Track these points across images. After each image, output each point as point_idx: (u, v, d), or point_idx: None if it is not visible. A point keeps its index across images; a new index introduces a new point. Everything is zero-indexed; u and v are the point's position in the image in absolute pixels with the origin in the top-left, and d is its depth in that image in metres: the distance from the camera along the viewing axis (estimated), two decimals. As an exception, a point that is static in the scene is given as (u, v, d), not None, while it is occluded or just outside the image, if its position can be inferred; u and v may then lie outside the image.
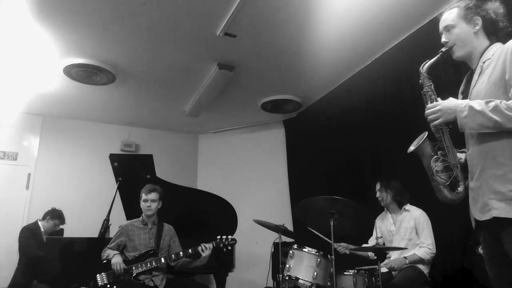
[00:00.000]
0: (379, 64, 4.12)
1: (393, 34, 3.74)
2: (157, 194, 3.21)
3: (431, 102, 1.70)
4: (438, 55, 1.74)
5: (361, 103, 4.38)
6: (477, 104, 1.49)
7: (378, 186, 3.32)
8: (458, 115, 1.53)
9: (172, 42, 3.88)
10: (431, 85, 1.75)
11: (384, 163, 3.95)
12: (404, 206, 3.23)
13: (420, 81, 1.78)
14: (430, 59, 1.77)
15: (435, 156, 1.69)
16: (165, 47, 3.98)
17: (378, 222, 3.38)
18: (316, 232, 3.39)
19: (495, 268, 1.59)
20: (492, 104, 1.45)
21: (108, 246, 3.13)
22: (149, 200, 3.18)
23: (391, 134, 3.83)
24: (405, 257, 2.97)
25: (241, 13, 3.35)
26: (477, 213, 1.56)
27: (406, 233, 3.15)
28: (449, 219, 3.06)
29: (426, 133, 1.73)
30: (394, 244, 3.17)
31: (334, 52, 4.05)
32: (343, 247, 3.30)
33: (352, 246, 3.33)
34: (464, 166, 1.68)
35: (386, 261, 3.18)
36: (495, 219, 1.47)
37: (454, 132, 1.70)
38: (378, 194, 3.30)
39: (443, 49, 1.73)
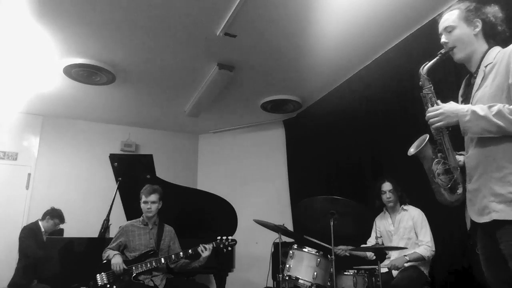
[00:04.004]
0: (379, 64, 4.12)
1: (393, 34, 3.74)
2: (157, 195, 3.20)
3: (432, 105, 1.70)
4: (437, 57, 1.74)
5: (361, 103, 4.38)
6: (480, 109, 1.49)
7: (388, 187, 3.24)
8: (461, 120, 1.53)
9: (172, 42, 3.88)
10: (431, 87, 1.75)
11: (384, 163, 3.95)
12: (403, 206, 3.24)
13: (420, 83, 1.77)
14: (429, 61, 1.76)
15: (437, 159, 1.69)
16: (165, 47, 3.98)
17: (377, 222, 3.38)
18: (315, 240, 3.40)
19: (491, 268, 1.60)
20: (495, 109, 1.46)
21: (108, 247, 3.13)
22: (149, 202, 3.17)
23: (391, 134, 3.83)
24: (405, 255, 2.97)
25: (241, 13, 3.35)
26: (475, 215, 1.57)
27: (405, 232, 3.16)
28: (449, 219, 3.06)
29: (428, 136, 1.73)
30: (394, 244, 3.18)
31: (334, 52, 4.05)
32: (342, 250, 3.29)
33: (351, 247, 3.33)
34: (463, 169, 1.69)
35: (386, 261, 3.18)
36: (494, 221, 1.48)
37: (451, 134, 1.71)
38: (389, 195, 3.23)
39: (443, 51, 1.73)
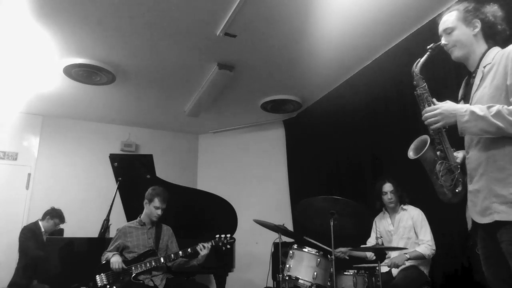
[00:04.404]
0: (379, 64, 4.12)
1: (393, 34, 3.74)
2: (166, 202, 3.20)
3: (428, 104, 1.70)
4: (427, 53, 1.75)
5: (361, 103, 4.37)
6: (479, 109, 1.49)
7: (389, 187, 3.23)
8: (459, 120, 1.52)
9: (172, 42, 3.88)
10: (425, 86, 1.74)
11: (384, 163, 3.95)
12: (402, 206, 3.24)
13: (414, 82, 1.76)
14: (420, 58, 1.76)
15: (440, 161, 1.69)
16: (165, 47, 3.98)
17: (377, 222, 3.38)
18: (314, 241, 3.39)
19: (491, 268, 1.61)
20: (494, 109, 1.45)
21: (107, 250, 3.12)
22: (161, 209, 3.16)
23: (391, 134, 3.83)
24: (405, 253, 2.97)
25: (241, 13, 3.35)
26: (477, 216, 1.57)
27: (404, 232, 3.16)
28: (449, 219, 3.05)
29: (429, 139, 1.72)
30: (393, 244, 3.18)
31: (334, 52, 4.04)
32: (341, 253, 3.29)
33: (350, 248, 3.32)
34: (462, 166, 1.69)
35: (386, 261, 3.18)
36: (495, 222, 1.48)
37: (447, 133, 1.71)
38: (390, 196, 3.21)
39: (433, 46, 1.73)
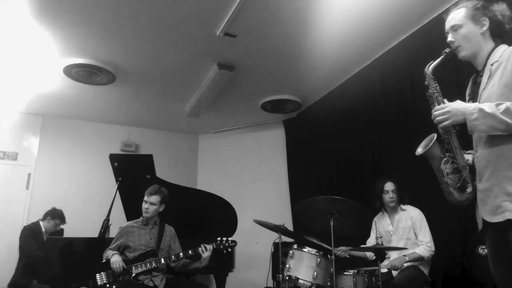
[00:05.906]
0: (379, 64, 4.12)
1: (393, 34, 3.74)
2: (158, 197, 3.17)
3: (438, 104, 1.69)
4: (441, 56, 1.74)
5: (361, 103, 4.37)
6: (487, 106, 1.48)
7: (391, 187, 3.22)
8: (468, 118, 1.52)
9: (172, 42, 3.88)
10: (437, 86, 1.74)
11: (384, 163, 3.95)
12: (401, 206, 3.23)
13: (426, 82, 1.76)
14: (434, 60, 1.76)
15: (445, 158, 1.67)
16: (165, 47, 3.98)
17: (376, 222, 3.38)
18: (314, 240, 3.39)
19: (499, 266, 1.60)
20: (502, 107, 1.45)
21: (109, 248, 3.12)
22: (148, 203, 3.16)
23: (391, 134, 3.83)
24: (404, 255, 2.97)
25: (241, 13, 3.35)
26: (487, 215, 1.56)
27: (404, 232, 3.15)
28: (449, 219, 3.06)
29: (435, 135, 1.71)
30: (393, 244, 3.18)
31: (334, 52, 4.05)
32: (342, 251, 3.29)
33: (351, 248, 3.33)
34: (472, 168, 1.68)
35: (385, 262, 3.18)
36: (507, 220, 1.47)
37: (458, 133, 1.70)
38: (391, 195, 3.21)
39: (447, 50, 1.73)
